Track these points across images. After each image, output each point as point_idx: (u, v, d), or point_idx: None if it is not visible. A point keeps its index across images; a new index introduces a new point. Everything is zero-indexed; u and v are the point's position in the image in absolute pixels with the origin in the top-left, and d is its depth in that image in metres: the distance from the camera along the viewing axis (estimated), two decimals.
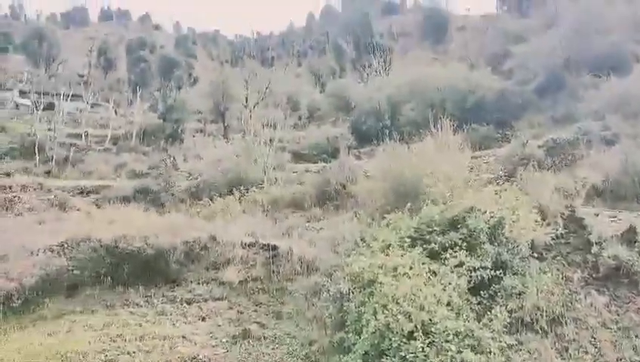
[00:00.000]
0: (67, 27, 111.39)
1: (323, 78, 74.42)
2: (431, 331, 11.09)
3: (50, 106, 44.46)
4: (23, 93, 52.86)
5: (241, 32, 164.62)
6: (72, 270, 16.67)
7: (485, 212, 14.40)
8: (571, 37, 40.20)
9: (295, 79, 72.98)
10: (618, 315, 12.22)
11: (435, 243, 13.57)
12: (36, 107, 42.35)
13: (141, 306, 15.87)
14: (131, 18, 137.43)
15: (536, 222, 15.14)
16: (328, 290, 13.99)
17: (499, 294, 12.70)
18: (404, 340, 11.03)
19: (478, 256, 13.10)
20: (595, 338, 11.84)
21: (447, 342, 10.84)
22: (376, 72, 49.97)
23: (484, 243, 13.51)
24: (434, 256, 13.39)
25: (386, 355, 11.06)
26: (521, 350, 11.59)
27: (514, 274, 13.15)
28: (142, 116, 46.01)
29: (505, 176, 20.47)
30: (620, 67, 35.54)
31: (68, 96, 46.63)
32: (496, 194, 16.42)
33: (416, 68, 45.77)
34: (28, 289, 15.56)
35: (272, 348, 13.77)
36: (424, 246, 13.63)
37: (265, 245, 18.59)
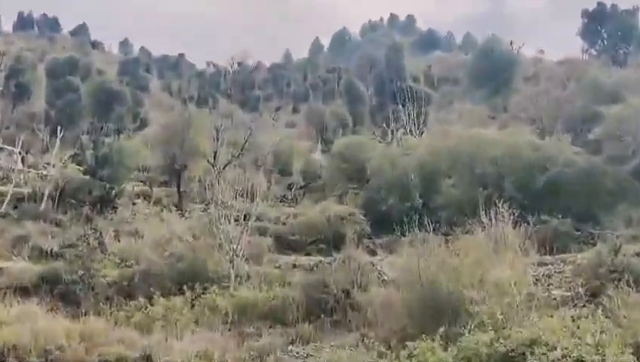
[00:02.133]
0: None
1: (328, 132, 76.41)
2: None
3: None
4: None
5: (215, 58, 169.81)
6: None
7: (555, 348, 14.42)
8: None
9: (287, 130, 75.39)
10: None
11: None
12: None
13: None
14: (61, 29, 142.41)
15: None
16: None
17: None
18: None
19: None
20: None
21: None
22: (405, 128, 51.34)
23: None
24: None
25: None
26: None
27: None
28: (60, 169, 46.45)
29: (586, 295, 20.58)
30: None
31: None
32: (572, 321, 16.52)
33: (463, 127, 47.00)
34: None
35: None
36: None
37: None
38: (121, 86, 73.41)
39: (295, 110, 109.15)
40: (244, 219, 31.32)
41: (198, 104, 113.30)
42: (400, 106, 53.61)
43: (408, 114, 51.91)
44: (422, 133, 50.25)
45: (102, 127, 53.97)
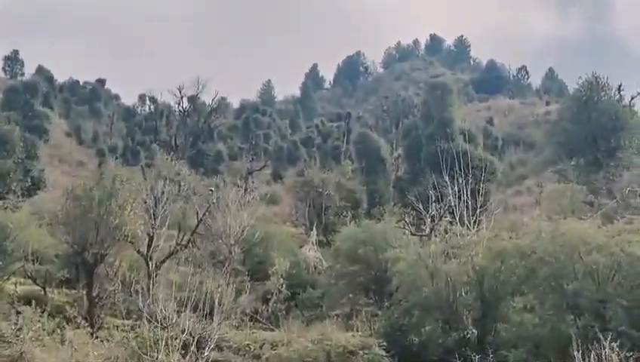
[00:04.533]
0: None
1: (328, 214, 75.88)
2: None
3: None
4: None
5: (154, 90, 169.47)
6: None
7: None
8: None
9: (264, 208, 75.08)
10: None
11: None
12: None
13: None
14: None
15: None
16: None
17: None
18: None
19: None
20: None
21: None
22: (454, 215, 51.36)
23: None
24: None
25: None
26: None
27: None
28: None
29: None
30: None
31: None
32: None
33: (545, 218, 47.57)
34: None
35: None
36: None
37: None
38: (8, 126, 73.50)
39: (277, 176, 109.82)
40: (195, 345, 31.26)
41: (123, 158, 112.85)
42: (446, 180, 53.26)
43: (458, 193, 51.67)
44: (478, 224, 49.99)
45: None
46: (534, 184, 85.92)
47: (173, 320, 32.84)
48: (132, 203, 46.57)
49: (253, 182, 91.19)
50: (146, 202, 47.21)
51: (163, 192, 47.87)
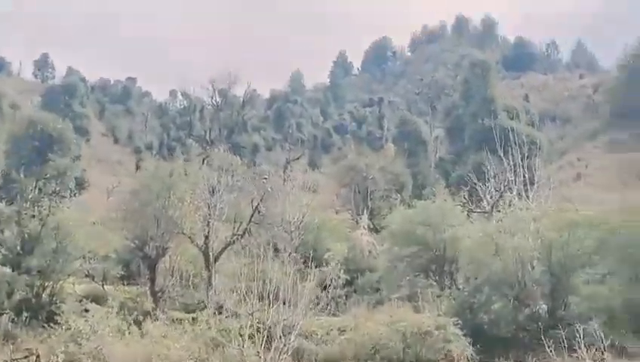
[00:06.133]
0: None
1: (372, 199, 75.52)
2: None
3: None
4: None
5: (186, 85, 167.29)
6: None
7: None
8: None
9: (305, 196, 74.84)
10: None
11: None
12: None
13: None
14: None
15: None
16: None
17: None
18: None
19: None
20: None
21: None
22: (510, 191, 51.24)
23: None
24: None
25: None
26: None
27: None
28: None
29: None
30: None
31: None
32: None
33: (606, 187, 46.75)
34: None
35: None
36: None
37: None
38: (62, 124, 73.37)
39: (313, 164, 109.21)
40: (281, 335, 31.37)
41: (160, 155, 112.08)
42: (501, 155, 53.09)
43: (514, 168, 51.52)
44: (536, 199, 50.04)
45: (31, 188, 53.77)
46: (575, 158, 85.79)
47: (246, 310, 33.42)
48: (191, 195, 46.89)
49: (292, 171, 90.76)
50: (203, 193, 46.98)
51: (219, 182, 47.81)
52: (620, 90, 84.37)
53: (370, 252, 58.40)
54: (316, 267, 53.94)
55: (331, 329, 42.10)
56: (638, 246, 39.57)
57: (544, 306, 39.53)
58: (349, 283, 52.62)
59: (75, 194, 63.42)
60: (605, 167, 66.58)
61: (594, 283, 41.32)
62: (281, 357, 31.20)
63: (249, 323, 32.50)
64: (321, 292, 50.66)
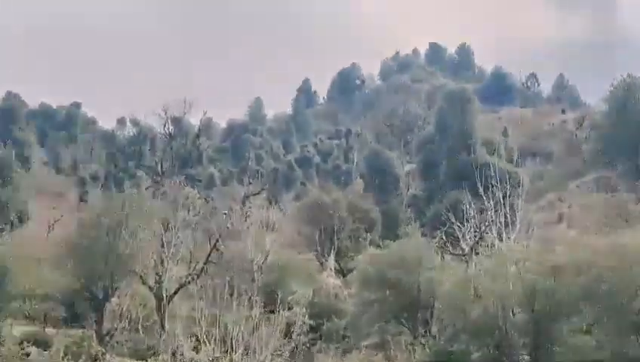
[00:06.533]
0: None
1: (339, 238, 73.76)
2: None
3: None
4: None
5: (134, 112, 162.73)
6: None
7: None
8: None
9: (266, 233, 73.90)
10: None
11: None
12: None
13: None
14: None
15: None
16: None
17: None
18: None
19: None
20: None
21: None
22: (490, 231, 50.38)
23: None
24: None
25: None
26: None
27: None
28: None
29: None
30: None
31: None
32: None
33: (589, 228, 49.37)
34: None
35: None
36: None
37: None
38: (3, 151, 72.63)
39: (273, 199, 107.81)
40: None
41: (106, 187, 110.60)
42: (483, 195, 51.89)
43: (494, 208, 50.68)
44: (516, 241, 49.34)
45: None
46: (556, 198, 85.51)
47: (206, 357, 33.06)
48: (144, 230, 46.05)
49: (250, 208, 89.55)
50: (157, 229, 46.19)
51: (174, 217, 47.01)
52: (605, 126, 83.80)
53: (336, 296, 57.26)
54: (279, 311, 52.62)
55: None
56: (626, 294, 38.68)
57: (526, 357, 38.79)
58: (313, 329, 50.36)
59: (13, 228, 63.54)
60: (590, 206, 66.07)
61: (579, 332, 40.65)
62: None
63: None
64: (284, 338, 48.87)
